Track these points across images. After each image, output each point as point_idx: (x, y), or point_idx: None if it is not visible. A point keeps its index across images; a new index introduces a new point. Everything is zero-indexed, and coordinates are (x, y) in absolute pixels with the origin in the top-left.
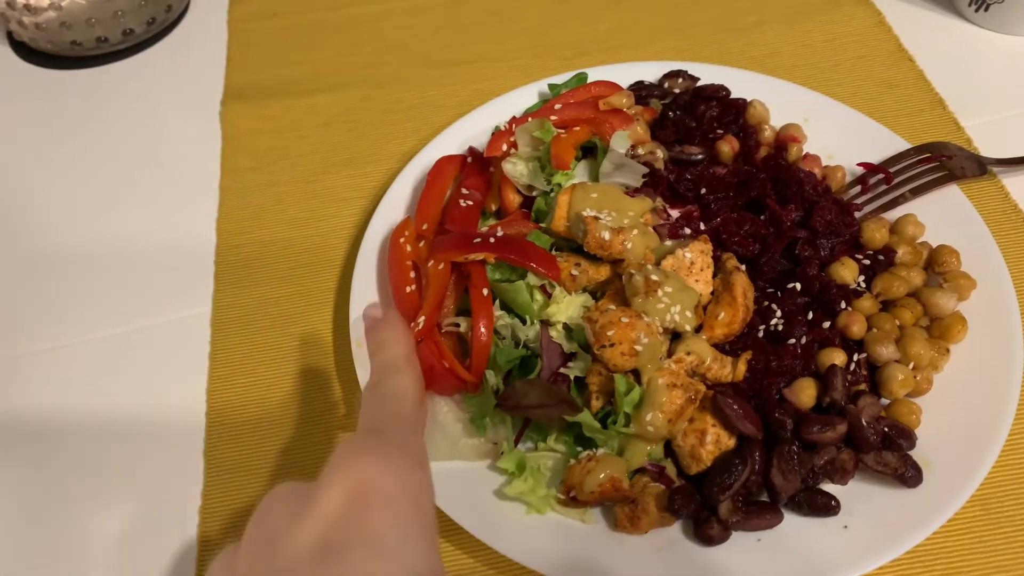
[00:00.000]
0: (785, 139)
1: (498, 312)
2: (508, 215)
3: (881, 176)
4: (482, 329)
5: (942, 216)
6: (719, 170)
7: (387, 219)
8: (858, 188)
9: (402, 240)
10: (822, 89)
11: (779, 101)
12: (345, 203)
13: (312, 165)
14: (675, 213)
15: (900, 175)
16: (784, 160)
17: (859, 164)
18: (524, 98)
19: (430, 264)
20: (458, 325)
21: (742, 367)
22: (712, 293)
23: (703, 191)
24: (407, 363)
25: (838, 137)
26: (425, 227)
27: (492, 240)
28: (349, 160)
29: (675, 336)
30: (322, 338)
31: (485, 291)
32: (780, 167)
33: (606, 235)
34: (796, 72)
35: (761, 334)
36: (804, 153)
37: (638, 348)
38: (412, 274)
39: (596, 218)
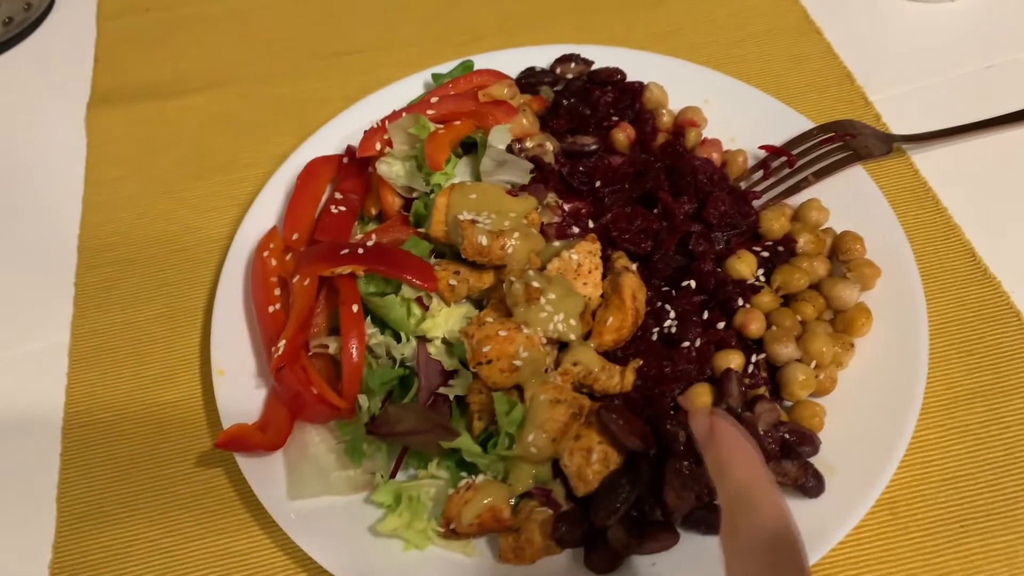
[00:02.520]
0: (683, 124)
1: (371, 329)
2: (388, 219)
3: (784, 159)
4: (353, 349)
5: (846, 200)
6: (615, 160)
7: (255, 231)
8: (760, 173)
9: (266, 254)
10: (727, 67)
11: (678, 83)
12: (217, 213)
13: (184, 172)
14: (568, 208)
15: (803, 157)
16: (682, 147)
17: (761, 147)
18: (410, 90)
19: (295, 280)
20: (327, 346)
21: (630, 376)
22: (602, 296)
23: (598, 184)
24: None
25: (741, 119)
26: (295, 237)
27: (361, 251)
28: (223, 165)
29: (563, 346)
30: (189, 364)
31: (355, 307)
32: (676, 155)
33: (483, 240)
34: (700, 51)
35: (655, 337)
36: (703, 138)
37: (517, 363)
38: (277, 291)
39: (474, 222)
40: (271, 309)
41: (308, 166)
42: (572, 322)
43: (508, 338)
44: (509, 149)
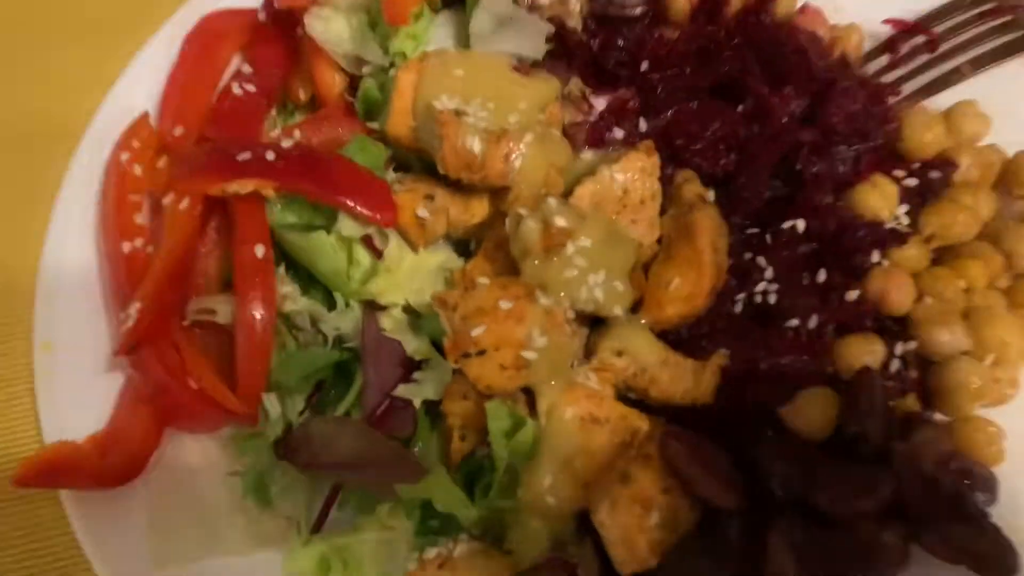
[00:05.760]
0: None
1: (286, 287)
2: (324, 108)
3: (921, 40)
4: (255, 317)
5: (1015, 102)
6: (669, 33)
7: (119, 120)
8: (884, 59)
9: (126, 156)
10: None
11: None
12: (76, 94)
13: (31, 35)
14: (600, 103)
15: (951, 38)
16: (769, 17)
17: (886, 21)
18: None
19: (167, 201)
20: (214, 311)
21: (711, 378)
22: (659, 242)
23: (645, 66)
24: None
25: None
26: (178, 132)
27: (273, 156)
28: (91, 26)
29: (596, 322)
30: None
31: (260, 250)
32: (763, 28)
33: (475, 144)
34: None
35: (739, 309)
36: (801, 4)
37: (528, 356)
38: (141, 218)
39: (459, 113)
40: (127, 247)
41: (201, 24)
42: (617, 285)
43: (514, 313)
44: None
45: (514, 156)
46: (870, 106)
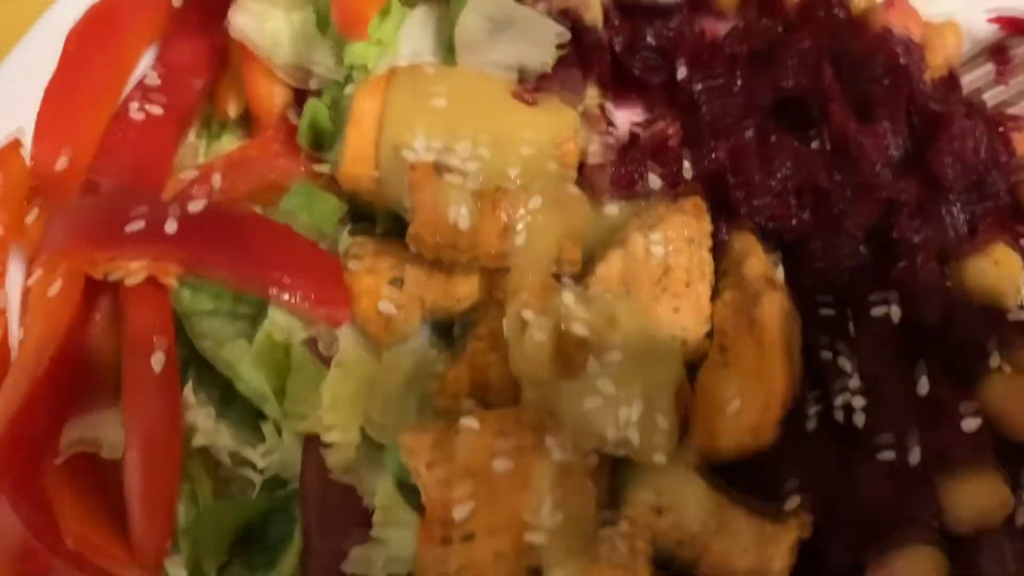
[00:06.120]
0: None
1: (197, 411)
2: (256, 137)
3: None
4: (151, 456)
5: None
6: (714, 26)
7: None
8: (989, 69)
9: None
10: None
11: None
12: None
13: None
14: (622, 118)
15: None
16: (845, 10)
17: (993, 20)
18: None
19: (32, 281)
20: (98, 442)
21: (784, 555)
22: (710, 335)
23: (682, 71)
24: None
25: None
26: (62, 164)
27: (177, 227)
28: None
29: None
30: None
31: (158, 360)
32: (839, 26)
33: (462, 217)
34: None
35: (813, 425)
36: None
37: (537, 540)
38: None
39: (440, 167)
40: None
41: (93, 11)
42: (658, 418)
43: (515, 476)
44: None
45: (515, 228)
46: (990, 148)
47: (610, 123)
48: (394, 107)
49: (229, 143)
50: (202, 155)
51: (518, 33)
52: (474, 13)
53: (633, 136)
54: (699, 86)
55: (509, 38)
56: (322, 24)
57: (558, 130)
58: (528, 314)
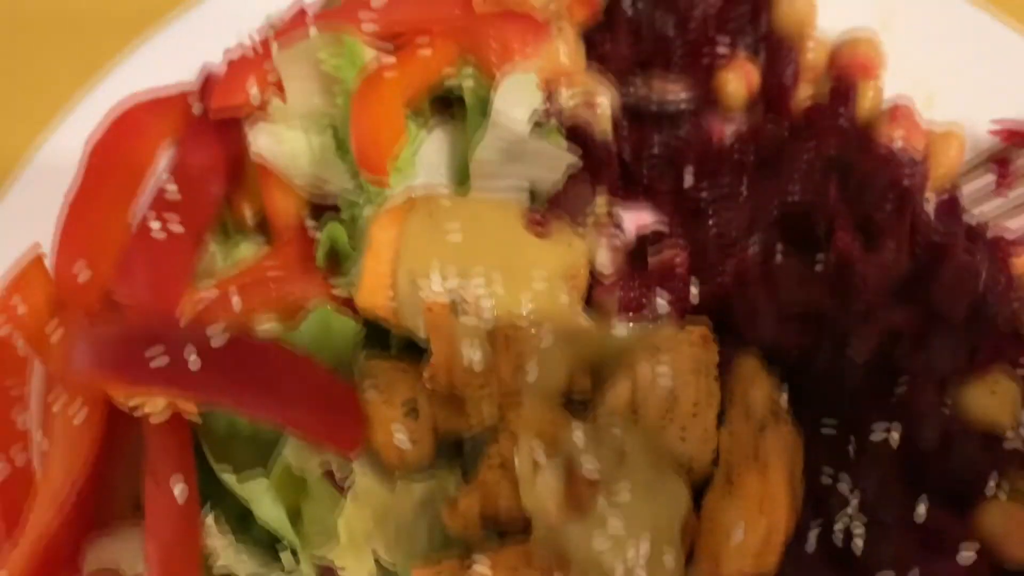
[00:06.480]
0: (847, 68)
1: (217, 538)
2: (275, 238)
3: None
4: None
5: None
6: (721, 126)
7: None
8: (989, 179)
9: (2, 331)
10: None
11: None
12: None
13: None
14: (629, 221)
15: None
16: (848, 119)
17: (993, 129)
18: None
19: (57, 407)
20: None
21: None
22: (715, 463)
23: (689, 178)
24: None
25: (948, 62)
26: (84, 276)
27: (198, 362)
28: None
29: None
30: None
31: (180, 489)
32: (845, 136)
33: (476, 358)
34: None
35: (813, 547)
36: (891, 108)
37: None
38: (21, 418)
39: (455, 305)
40: (2, 471)
41: (115, 123)
42: (666, 557)
43: None
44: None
45: (528, 365)
46: (992, 280)
47: (619, 226)
48: (411, 239)
49: (246, 249)
50: (219, 261)
51: (530, 160)
52: (490, 145)
53: (640, 245)
54: (705, 194)
55: (521, 165)
56: (341, 147)
57: (570, 262)
58: (540, 453)
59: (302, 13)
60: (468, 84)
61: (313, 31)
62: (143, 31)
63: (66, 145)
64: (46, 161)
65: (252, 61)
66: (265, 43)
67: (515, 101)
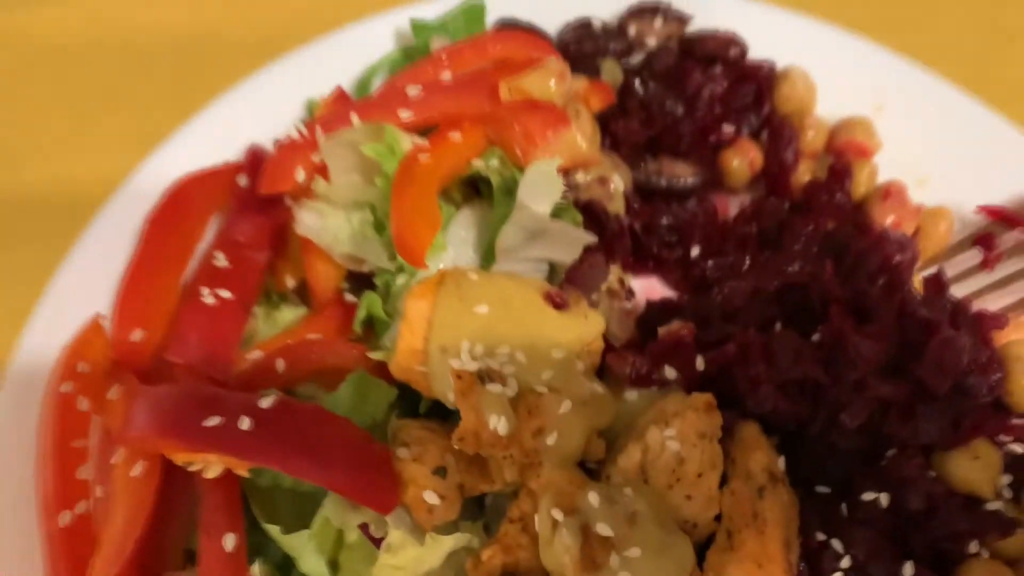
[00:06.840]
0: (844, 150)
1: None
2: (318, 305)
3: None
4: None
5: None
6: (725, 202)
7: (60, 328)
8: (976, 255)
9: (68, 388)
10: (915, 43)
11: (838, 71)
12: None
13: None
14: (639, 288)
15: None
16: (844, 199)
17: (980, 209)
18: (369, 43)
19: (117, 460)
20: None
21: None
22: (717, 519)
23: (695, 250)
24: None
25: (941, 147)
26: (138, 336)
27: (250, 425)
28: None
29: None
30: None
31: (231, 541)
32: (841, 216)
33: (502, 426)
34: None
35: None
36: (884, 188)
37: None
38: (84, 470)
39: (482, 377)
40: (66, 519)
41: (173, 195)
42: None
43: None
44: (555, 213)
45: (548, 434)
46: (975, 355)
47: (631, 293)
48: (442, 311)
49: (287, 312)
50: (261, 322)
51: (550, 240)
52: (514, 226)
53: (650, 314)
54: (711, 265)
55: (542, 244)
56: (378, 225)
57: (586, 333)
58: (558, 514)
59: (343, 97)
60: (494, 167)
61: (356, 120)
62: (212, 91)
63: (132, 212)
64: (117, 223)
65: (299, 146)
66: (311, 128)
67: (538, 191)
